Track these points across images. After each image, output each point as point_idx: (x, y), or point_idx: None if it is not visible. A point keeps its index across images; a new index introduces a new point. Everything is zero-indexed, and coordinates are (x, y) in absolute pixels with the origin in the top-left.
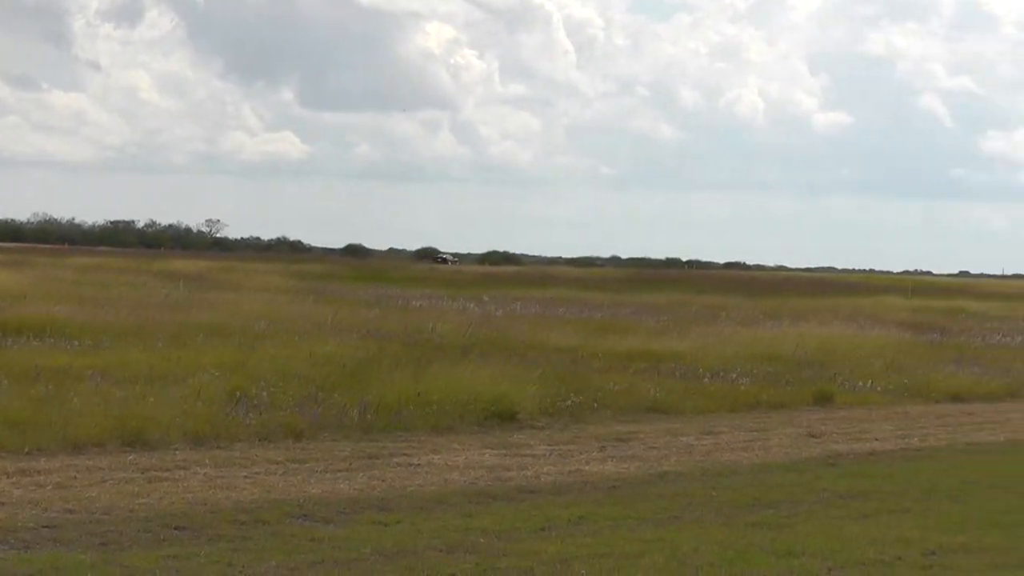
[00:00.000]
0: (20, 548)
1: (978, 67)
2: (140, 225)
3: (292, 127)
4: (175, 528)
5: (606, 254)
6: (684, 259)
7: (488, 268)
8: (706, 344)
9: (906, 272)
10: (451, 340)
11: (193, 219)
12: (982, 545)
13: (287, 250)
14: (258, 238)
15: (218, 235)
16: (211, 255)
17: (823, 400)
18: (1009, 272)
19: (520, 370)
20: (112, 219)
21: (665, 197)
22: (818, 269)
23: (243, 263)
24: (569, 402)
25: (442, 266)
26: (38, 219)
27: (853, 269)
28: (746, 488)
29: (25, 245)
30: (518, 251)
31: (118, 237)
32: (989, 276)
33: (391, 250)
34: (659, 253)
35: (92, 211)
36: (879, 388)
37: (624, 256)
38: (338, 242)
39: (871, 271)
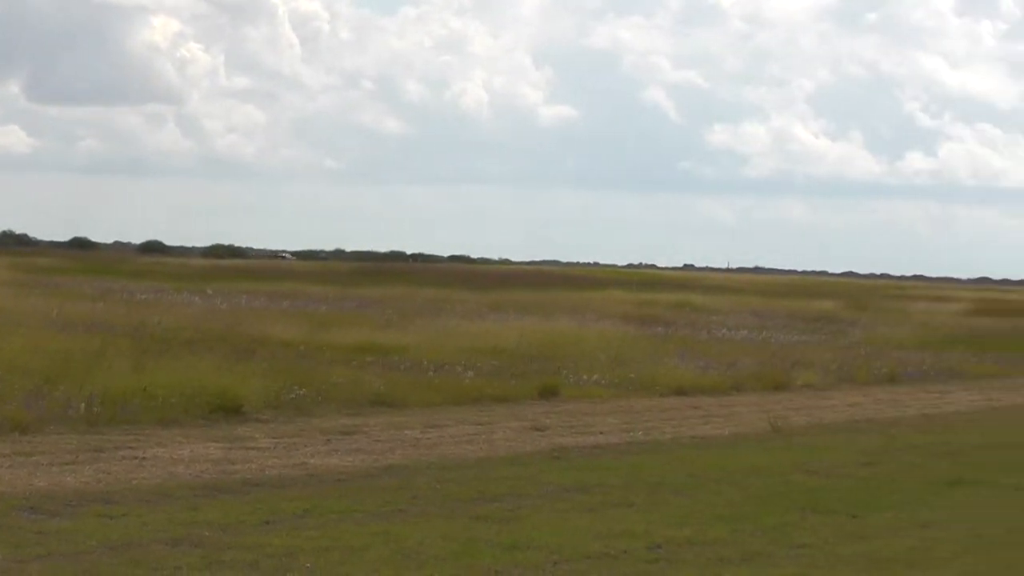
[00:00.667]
0: None
1: (704, 61)
2: None
3: (18, 121)
4: None
5: (330, 247)
6: (408, 252)
7: (215, 261)
8: (430, 337)
9: (631, 265)
10: (176, 334)
11: None
12: (707, 539)
13: (13, 243)
14: None
15: None
16: None
17: (548, 394)
18: (734, 265)
19: (245, 363)
20: None
21: (390, 190)
22: (543, 263)
23: None
24: (294, 395)
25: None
26: None
27: (578, 262)
28: (471, 482)
29: None
30: (244, 244)
31: None
32: (714, 270)
33: (116, 243)
34: (384, 246)
35: None
36: (604, 382)
37: (348, 249)
38: (64, 235)
39: (596, 264)
